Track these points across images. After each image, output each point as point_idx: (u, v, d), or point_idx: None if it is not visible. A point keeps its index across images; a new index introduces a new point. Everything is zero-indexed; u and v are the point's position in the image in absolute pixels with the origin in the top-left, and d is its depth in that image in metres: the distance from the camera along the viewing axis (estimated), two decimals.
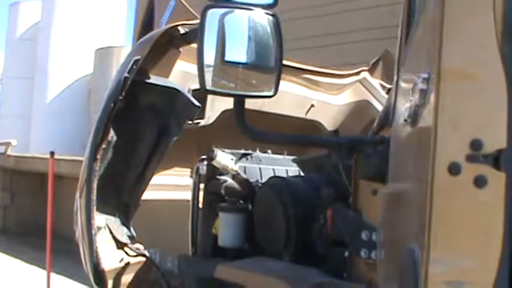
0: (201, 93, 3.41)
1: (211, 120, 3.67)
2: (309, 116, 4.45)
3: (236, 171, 3.06)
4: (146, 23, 3.07)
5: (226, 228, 2.97)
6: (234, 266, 2.55)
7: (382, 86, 4.73)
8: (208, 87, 1.74)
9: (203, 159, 3.34)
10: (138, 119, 3.09)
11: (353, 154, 2.21)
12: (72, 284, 7.65)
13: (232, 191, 3.04)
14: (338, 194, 2.41)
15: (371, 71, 4.68)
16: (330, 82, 4.45)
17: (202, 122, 3.59)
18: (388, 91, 4.76)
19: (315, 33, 7.35)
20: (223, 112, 3.80)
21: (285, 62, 2.00)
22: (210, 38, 1.74)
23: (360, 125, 4.56)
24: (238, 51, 1.75)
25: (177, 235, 5.01)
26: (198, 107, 3.10)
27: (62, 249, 7.62)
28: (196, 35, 2.95)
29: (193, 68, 3.52)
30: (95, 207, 2.86)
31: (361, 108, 4.64)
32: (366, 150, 1.80)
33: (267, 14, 1.79)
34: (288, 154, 3.62)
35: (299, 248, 2.61)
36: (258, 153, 3.44)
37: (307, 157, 3.10)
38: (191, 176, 4.53)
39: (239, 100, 1.81)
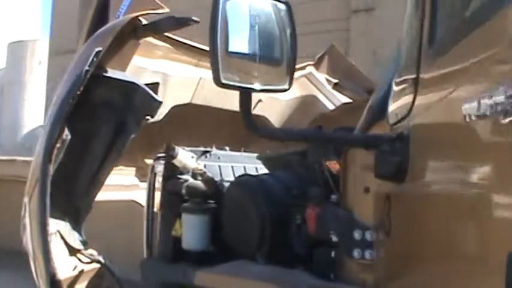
0: (152, 89, 3.25)
1: (161, 117, 3.50)
2: (256, 112, 4.35)
3: (201, 170, 2.92)
4: (100, 13, 2.85)
5: (191, 230, 2.83)
6: (215, 271, 2.41)
7: (328, 80, 4.70)
8: (223, 82, 1.59)
9: (159, 157, 3.18)
10: (93, 115, 2.87)
11: (342, 151, 2.13)
12: None
13: (195, 191, 2.90)
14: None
15: (316, 66, 4.64)
16: None
17: (152, 119, 3.43)
18: (335, 85, 4.76)
19: None
20: (173, 108, 3.64)
21: None
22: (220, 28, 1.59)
23: (306, 120, 4.52)
24: (247, 42, 1.62)
25: (123, 238, 4.79)
26: (160, 102, 2.92)
27: None
28: (162, 25, 2.80)
29: (148, 63, 3.36)
30: (48, 212, 2.64)
31: (307, 102, 4.59)
32: (383, 148, 1.70)
33: (279, 2, 1.68)
34: (245, 151, 3.52)
35: (274, 248, 2.50)
36: (215, 150, 3.31)
37: (275, 154, 3.00)
38: (136, 175, 4.35)
39: (246, 94, 1.68)
